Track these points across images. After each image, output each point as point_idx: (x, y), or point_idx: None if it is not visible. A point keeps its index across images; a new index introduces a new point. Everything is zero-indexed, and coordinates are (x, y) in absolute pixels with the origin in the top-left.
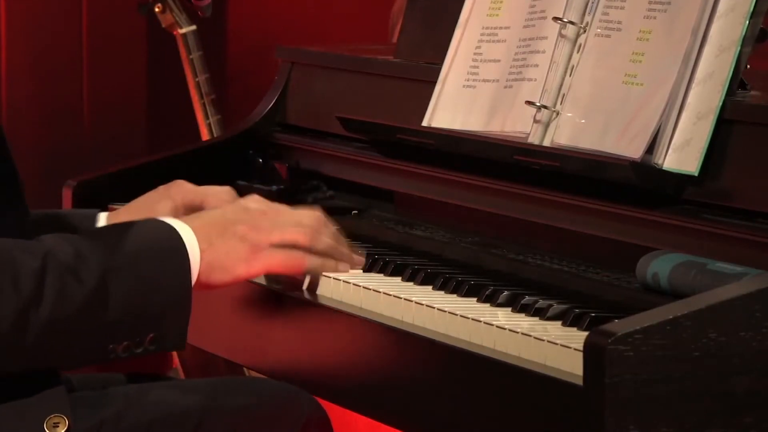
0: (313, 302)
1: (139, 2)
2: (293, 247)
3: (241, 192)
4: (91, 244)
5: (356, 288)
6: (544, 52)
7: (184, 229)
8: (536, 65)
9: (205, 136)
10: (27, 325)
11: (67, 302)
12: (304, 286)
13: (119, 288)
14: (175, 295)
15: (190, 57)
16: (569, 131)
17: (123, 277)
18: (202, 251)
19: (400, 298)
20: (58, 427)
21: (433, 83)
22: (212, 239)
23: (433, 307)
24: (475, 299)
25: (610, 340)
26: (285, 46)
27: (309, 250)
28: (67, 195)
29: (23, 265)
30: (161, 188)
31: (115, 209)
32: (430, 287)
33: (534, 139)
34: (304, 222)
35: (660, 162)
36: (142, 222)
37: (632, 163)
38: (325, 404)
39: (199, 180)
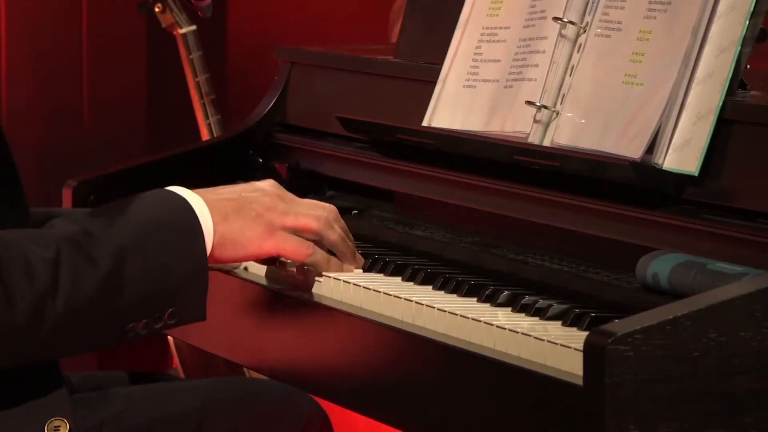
0: (313, 302)
1: (139, 2)
2: (305, 233)
3: None
4: (102, 223)
5: (356, 288)
6: (544, 52)
7: (196, 200)
8: (536, 65)
9: (205, 136)
10: (44, 316)
11: (83, 288)
12: (302, 274)
13: (134, 266)
14: (191, 267)
15: (190, 57)
16: (569, 131)
17: (137, 255)
18: (215, 224)
19: (400, 298)
20: (59, 430)
21: (433, 83)
22: (227, 214)
23: (433, 307)
24: (475, 299)
25: (610, 340)
26: (285, 46)
27: (320, 238)
28: (67, 195)
29: (35, 255)
30: None
31: None
32: (430, 287)
33: (534, 139)
34: (317, 211)
35: (660, 162)
36: (152, 194)
37: (632, 163)
38: (325, 404)
39: (199, 180)
